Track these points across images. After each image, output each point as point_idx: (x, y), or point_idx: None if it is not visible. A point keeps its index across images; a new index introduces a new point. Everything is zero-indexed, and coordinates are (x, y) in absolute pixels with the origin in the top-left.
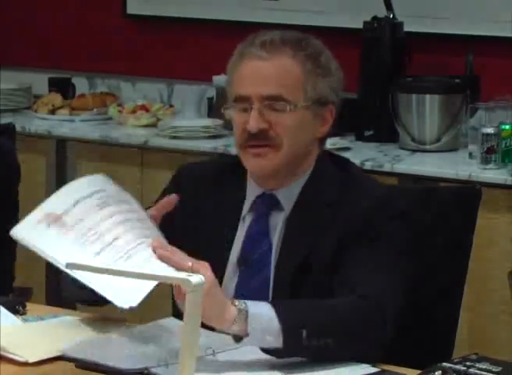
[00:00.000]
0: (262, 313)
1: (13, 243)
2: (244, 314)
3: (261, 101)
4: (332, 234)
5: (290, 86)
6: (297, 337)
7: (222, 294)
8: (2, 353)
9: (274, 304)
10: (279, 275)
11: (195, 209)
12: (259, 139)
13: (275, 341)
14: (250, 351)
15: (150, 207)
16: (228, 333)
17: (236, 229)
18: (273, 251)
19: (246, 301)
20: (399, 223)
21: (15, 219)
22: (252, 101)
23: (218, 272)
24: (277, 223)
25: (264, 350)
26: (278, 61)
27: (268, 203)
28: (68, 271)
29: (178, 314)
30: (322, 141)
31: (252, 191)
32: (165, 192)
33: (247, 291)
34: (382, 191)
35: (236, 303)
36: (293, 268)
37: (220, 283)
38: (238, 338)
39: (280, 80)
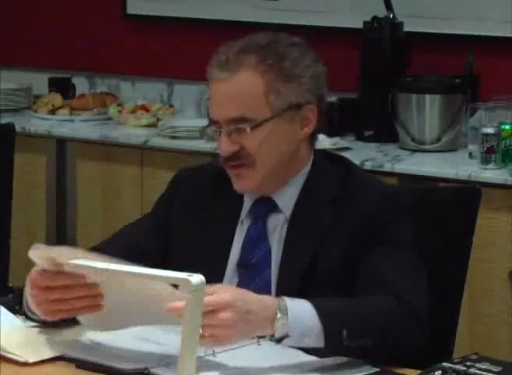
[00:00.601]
0: (304, 314)
1: (6, 246)
2: (286, 317)
3: (227, 124)
4: (339, 234)
5: (252, 103)
6: (338, 338)
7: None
8: (2, 353)
9: (314, 303)
10: (284, 276)
11: (195, 212)
12: (233, 160)
13: (316, 341)
14: (250, 352)
15: (147, 214)
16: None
17: (234, 231)
18: (273, 253)
19: (286, 300)
20: (409, 218)
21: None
22: (220, 124)
23: (217, 274)
24: (276, 225)
25: (303, 348)
26: (237, 79)
27: (265, 206)
28: None
29: None
30: (311, 139)
31: (250, 195)
32: (163, 198)
33: None
34: (385, 187)
35: (277, 305)
36: (300, 269)
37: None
38: (278, 339)
39: (241, 100)
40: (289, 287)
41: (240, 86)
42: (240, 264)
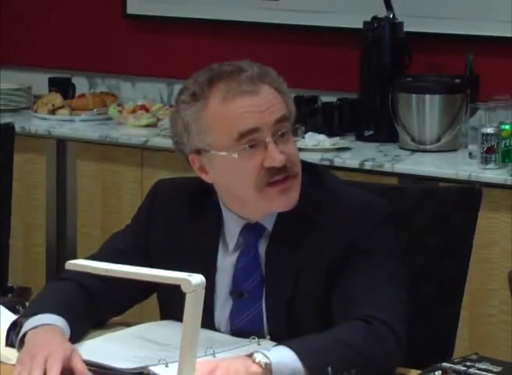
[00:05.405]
0: (286, 361)
1: (6, 246)
2: (269, 368)
3: (271, 130)
4: (320, 254)
5: (283, 107)
6: None
7: (241, 364)
8: (3, 360)
9: (293, 347)
10: (271, 305)
11: (173, 233)
12: (282, 173)
13: None
14: (250, 351)
15: (128, 225)
16: None
17: (215, 257)
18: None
19: (265, 351)
20: (386, 227)
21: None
22: (263, 133)
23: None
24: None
25: None
26: (264, 90)
27: (255, 233)
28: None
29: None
30: None
31: (232, 223)
32: (141, 208)
33: (241, 322)
34: (359, 198)
35: (259, 360)
36: (285, 297)
37: (211, 312)
38: None
39: (277, 103)
40: (279, 315)
41: (269, 94)
42: (234, 294)
